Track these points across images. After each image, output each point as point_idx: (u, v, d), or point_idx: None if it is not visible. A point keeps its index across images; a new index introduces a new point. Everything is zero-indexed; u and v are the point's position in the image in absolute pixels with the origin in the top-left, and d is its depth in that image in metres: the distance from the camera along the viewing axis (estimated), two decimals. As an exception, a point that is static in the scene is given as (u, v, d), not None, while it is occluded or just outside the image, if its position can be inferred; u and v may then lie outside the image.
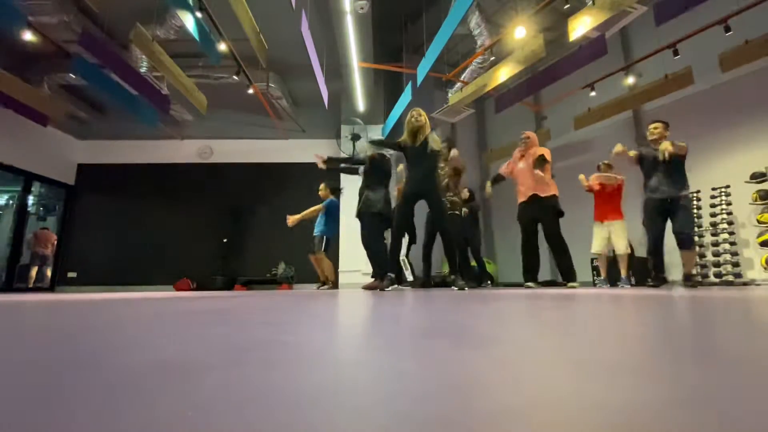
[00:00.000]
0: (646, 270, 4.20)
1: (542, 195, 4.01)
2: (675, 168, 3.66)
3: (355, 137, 8.03)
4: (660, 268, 3.78)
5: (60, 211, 8.70)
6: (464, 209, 5.06)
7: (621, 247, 4.62)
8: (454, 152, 4.34)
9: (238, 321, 0.86)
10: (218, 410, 0.24)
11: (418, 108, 3.73)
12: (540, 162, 3.98)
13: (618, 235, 4.63)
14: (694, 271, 5.86)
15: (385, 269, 3.52)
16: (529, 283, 4.04)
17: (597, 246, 4.73)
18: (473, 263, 5.31)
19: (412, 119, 3.61)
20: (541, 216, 4.00)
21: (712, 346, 0.48)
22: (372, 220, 3.86)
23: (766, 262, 5.25)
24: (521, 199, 4.20)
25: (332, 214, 5.43)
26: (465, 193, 5.69)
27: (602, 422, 0.21)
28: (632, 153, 3.94)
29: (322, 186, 5.53)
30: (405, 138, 3.66)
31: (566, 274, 3.87)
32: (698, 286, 3.68)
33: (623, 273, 4.67)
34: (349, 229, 6.01)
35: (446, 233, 3.57)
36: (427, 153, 3.53)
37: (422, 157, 3.54)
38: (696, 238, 6.00)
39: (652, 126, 3.95)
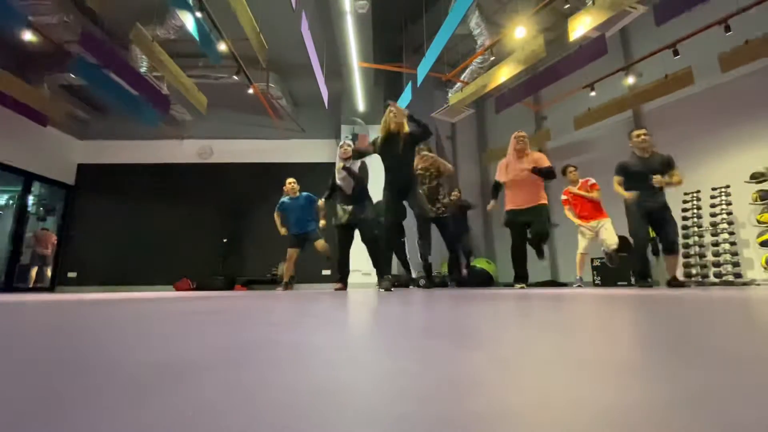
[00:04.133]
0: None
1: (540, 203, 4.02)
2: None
3: (355, 137, 8.03)
4: (645, 273, 3.82)
5: (60, 211, 8.69)
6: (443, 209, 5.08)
7: (612, 244, 4.66)
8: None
9: (238, 321, 0.86)
10: (218, 410, 0.24)
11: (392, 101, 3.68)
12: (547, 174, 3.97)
13: (609, 233, 4.67)
14: (694, 271, 5.87)
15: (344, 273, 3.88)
16: (520, 285, 4.04)
17: (584, 246, 4.79)
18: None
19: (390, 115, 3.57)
20: (534, 219, 3.98)
21: (712, 346, 0.48)
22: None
23: (766, 262, 5.25)
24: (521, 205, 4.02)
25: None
26: (455, 194, 5.75)
27: (602, 422, 0.21)
28: (629, 195, 3.86)
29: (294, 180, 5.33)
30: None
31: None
32: (684, 287, 3.69)
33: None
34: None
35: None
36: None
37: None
38: (698, 238, 6.01)
39: (640, 135, 3.84)
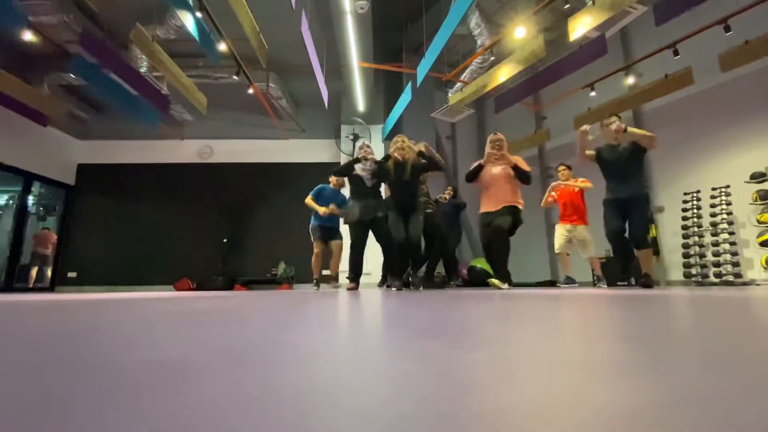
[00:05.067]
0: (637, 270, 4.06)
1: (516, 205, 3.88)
2: (634, 167, 3.58)
3: (356, 137, 8.03)
4: (626, 268, 3.65)
5: (60, 211, 8.69)
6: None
7: (586, 252, 4.72)
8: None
9: (238, 321, 0.86)
10: (218, 410, 0.24)
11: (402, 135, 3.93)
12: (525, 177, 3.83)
13: (582, 240, 4.71)
14: (694, 271, 5.87)
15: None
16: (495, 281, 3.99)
17: (558, 245, 4.86)
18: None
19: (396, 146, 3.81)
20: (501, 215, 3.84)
21: (712, 346, 0.48)
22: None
23: (766, 262, 5.25)
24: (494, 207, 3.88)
25: None
26: (448, 191, 5.74)
27: (601, 422, 0.21)
28: (589, 153, 3.77)
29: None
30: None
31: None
32: (653, 287, 3.51)
33: (598, 273, 4.85)
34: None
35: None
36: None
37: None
38: (698, 238, 6.00)
39: (612, 122, 3.64)
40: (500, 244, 3.72)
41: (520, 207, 3.89)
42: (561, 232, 4.84)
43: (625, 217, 3.59)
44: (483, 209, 3.95)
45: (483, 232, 3.94)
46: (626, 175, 3.55)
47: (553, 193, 4.97)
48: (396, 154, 3.76)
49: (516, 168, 3.80)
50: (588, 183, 4.66)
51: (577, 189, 4.76)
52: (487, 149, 3.98)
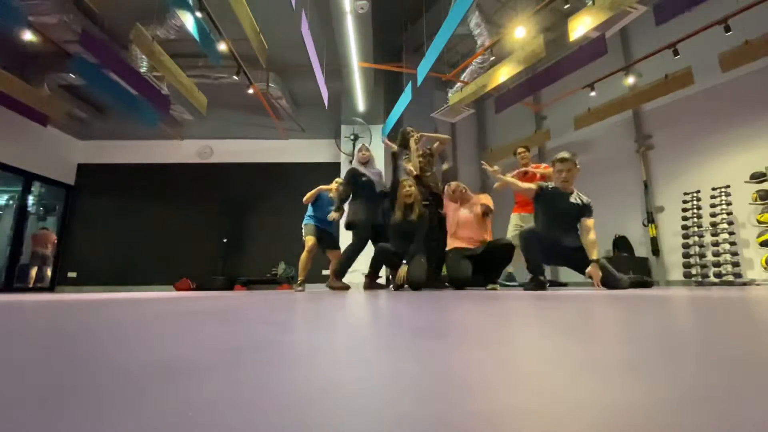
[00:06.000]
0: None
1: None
2: (577, 222, 3.20)
3: (356, 137, 8.04)
4: (535, 271, 3.24)
5: (60, 211, 8.70)
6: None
7: (508, 234, 4.47)
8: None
9: (238, 321, 0.86)
10: (218, 410, 0.24)
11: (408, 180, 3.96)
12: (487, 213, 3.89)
13: (513, 224, 4.56)
14: (694, 271, 5.87)
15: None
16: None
17: (511, 235, 4.51)
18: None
19: (403, 191, 3.83)
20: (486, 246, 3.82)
21: (712, 346, 0.48)
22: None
23: (766, 262, 5.24)
24: (466, 244, 3.84)
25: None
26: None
27: (602, 422, 0.21)
28: (532, 186, 3.40)
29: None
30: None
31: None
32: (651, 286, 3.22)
33: (512, 268, 4.30)
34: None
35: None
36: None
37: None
38: (698, 238, 5.99)
39: (560, 162, 3.24)
40: (507, 256, 3.80)
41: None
42: (516, 222, 4.59)
43: (557, 255, 3.24)
44: (454, 246, 3.84)
45: (456, 265, 3.70)
46: (569, 229, 3.19)
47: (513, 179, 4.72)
48: (407, 199, 3.80)
49: (487, 210, 3.90)
50: (550, 169, 4.16)
51: (539, 175, 4.37)
52: (455, 197, 4.05)
